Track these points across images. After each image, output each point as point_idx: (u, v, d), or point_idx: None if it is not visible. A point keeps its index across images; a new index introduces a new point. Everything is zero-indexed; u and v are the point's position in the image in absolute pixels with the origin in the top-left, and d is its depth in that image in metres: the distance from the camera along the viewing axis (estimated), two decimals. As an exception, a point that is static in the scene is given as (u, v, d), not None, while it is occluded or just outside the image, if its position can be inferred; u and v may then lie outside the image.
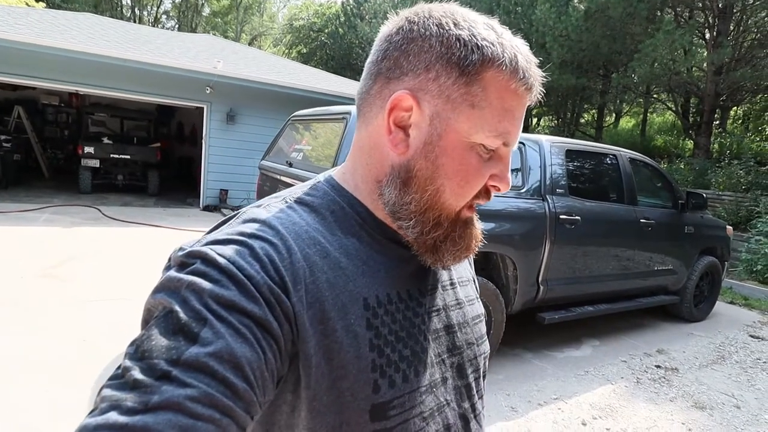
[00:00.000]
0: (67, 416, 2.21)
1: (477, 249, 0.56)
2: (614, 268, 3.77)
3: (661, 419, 2.74)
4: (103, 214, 7.06)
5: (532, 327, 3.52)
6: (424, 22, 0.49)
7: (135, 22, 25.57)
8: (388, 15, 0.54)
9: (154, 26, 25.02)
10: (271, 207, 0.52)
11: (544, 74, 0.52)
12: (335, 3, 28.53)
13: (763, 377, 3.47)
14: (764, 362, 3.77)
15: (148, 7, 29.98)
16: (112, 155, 8.91)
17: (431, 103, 0.49)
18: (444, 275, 0.61)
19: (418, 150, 0.50)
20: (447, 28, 0.48)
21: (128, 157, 9.09)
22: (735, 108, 13.79)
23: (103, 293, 3.79)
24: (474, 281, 0.70)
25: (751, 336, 4.39)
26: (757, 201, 7.85)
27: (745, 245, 6.75)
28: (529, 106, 0.53)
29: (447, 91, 0.48)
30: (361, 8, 22.41)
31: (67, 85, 7.69)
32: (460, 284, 0.63)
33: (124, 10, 28.01)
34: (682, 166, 10.71)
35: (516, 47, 0.49)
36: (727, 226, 5.01)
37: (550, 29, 10.76)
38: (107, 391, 0.37)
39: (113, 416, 0.34)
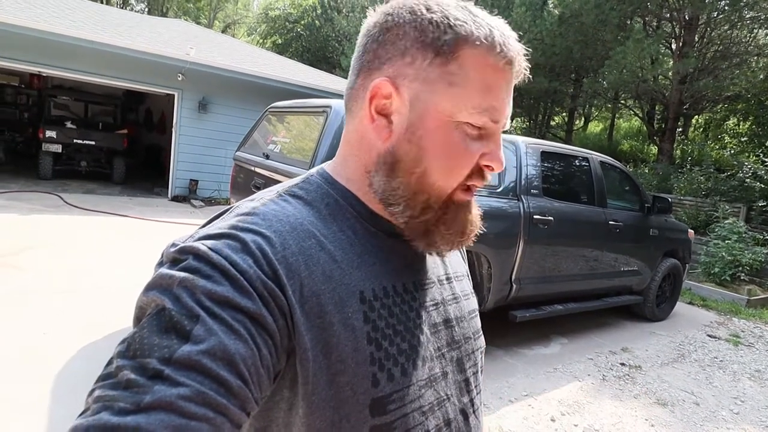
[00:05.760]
0: (27, 411, 2.09)
1: (474, 236, 0.55)
2: (583, 268, 3.87)
3: (626, 415, 2.84)
4: (64, 201, 6.74)
5: (503, 324, 3.59)
6: (398, 11, 0.50)
7: (102, 2, 24.45)
8: (366, 9, 0.55)
9: (122, 8, 24.01)
10: (264, 200, 0.51)
11: (526, 49, 0.52)
12: (313, -6, 28.11)
13: (719, 375, 3.65)
14: (721, 361, 3.96)
15: (117, -13, 28.69)
16: (75, 140, 8.51)
17: (410, 87, 0.49)
18: (440, 270, 0.61)
19: (401, 134, 0.51)
20: (420, 13, 0.49)
21: (93, 143, 8.69)
22: (697, 116, 14.43)
23: (65, 284, 3.61)
24: (468, 277, 0.70)
25: (709, 336, 4.62)
26: (716, 206, 8.25)
27: (704, 248, 7.08)
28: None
29: (424, 73, 0.49)
30: (339, 1, 22.18)
31: (29, 66, 7.28)
32: (456, 279, 0.64)
33: (90, -11, 26.71)
34: (647, 171, 11.13)
35: (491, 24, 0.49)
36: (689, 230, 5.24)
37: (525, 32, 10.94)
38: (99, 392, 0.36)
39: (105, 416, 0.34)
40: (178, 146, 8.43)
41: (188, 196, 8.50)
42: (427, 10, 0.49)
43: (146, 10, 28.75)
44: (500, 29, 0.49)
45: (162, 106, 11.05)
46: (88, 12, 9.15)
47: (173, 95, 8.33)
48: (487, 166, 0.51)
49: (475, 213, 0.55)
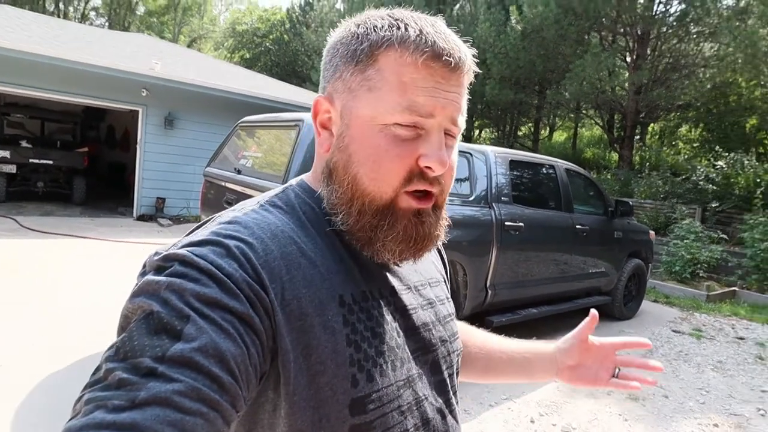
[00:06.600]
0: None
1: (427, 247, 0.54)
2: (554, 271, 3.99)
3: (601, 412, 2.92)
4: (20, 224, 6.41)
5: (480, 330, 3.64)
6: (335, 33, 0.55)
7: (59, 17, 23.70)
8: (334, 24, 0.58)
9: (81, 23, 23.34)
10: (245, 209, 0.53)
11: (467, 39, 0.53)
12: (280, 10, 28.18)
13: (685, 368, 3.80)
14: (686, 354, 4.14)
15: (75, 2, 27.90)
16: (31, 160, 8.14)
17: (339, 99, 0.53)
18: (415, 276, 0.62)
19: (334, 144, 0.54)
20: (348, 30, 0.53)
21: (50, 162, 8.33)
22: (652, 124, 15.19)
23: (22, 312, 3.43)
24: (445, 282, 0.71)
25: (673, 331, 4.81)
26: (674, 208, 8.66)
27: (665, 248, 7.41)
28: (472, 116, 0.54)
29: (348, 84, 0.52)
30: (307, 16, 22.28)
31: (-21, 83, 6.95)
32: (431, 285, 0.65)
33: (46, 4, 25.88)
34: (609, 177, 11.58)
35: (413, 26, 0.49)
36: (650, 231, 5.48)
37: (490, 47, 11.30)
38: (89, 395, 0.36)
39: (99, 415, 0.34)
40: (144, 163, 8.20)
41: (155, 214, 8.24)
42: (357, 26, 0.52)
43: (107, 24, 28.07)
44: (426, 29, 0.49)
45: (125, 123, 10.75)
46: (45, 27, 8.85)
47: (137, 111, 8.12)
48: (428, 168, 0.50)
49: (433, 222, 0.53)
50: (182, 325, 0.39)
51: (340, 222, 0.52)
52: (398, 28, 0.49)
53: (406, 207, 0.51)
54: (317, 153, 0.58)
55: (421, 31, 0.48)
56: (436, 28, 0.50)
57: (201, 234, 0.47)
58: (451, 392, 0.61)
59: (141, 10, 29.67)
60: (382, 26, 0.50)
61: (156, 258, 0.45)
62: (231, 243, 0.45)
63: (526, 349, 0.81)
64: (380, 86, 0.49)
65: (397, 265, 0.58)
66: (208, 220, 0.53)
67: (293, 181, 0.60)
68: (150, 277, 0.43)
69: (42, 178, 8.48)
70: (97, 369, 0.38)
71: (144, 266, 0.46)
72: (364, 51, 0.50)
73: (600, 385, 0.77)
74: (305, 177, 0.60)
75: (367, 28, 0.51)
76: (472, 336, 0.82)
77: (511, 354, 0.80)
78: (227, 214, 0.52)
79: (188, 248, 0.44)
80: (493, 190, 3.50)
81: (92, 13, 29.06)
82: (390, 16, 0.51)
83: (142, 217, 8.12)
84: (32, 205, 8.08)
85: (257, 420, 0.47)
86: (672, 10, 11.07)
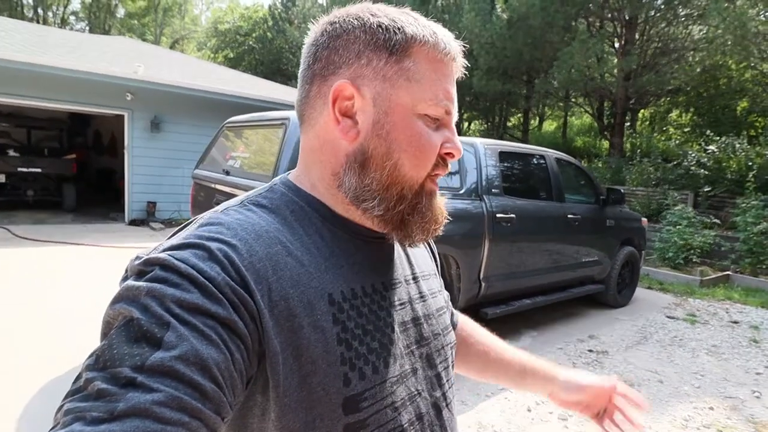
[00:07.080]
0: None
1: (444, 224, 0.58)
2: (547, 261, 3.99)
3: (597, 400, 2.93)
4: (12, 233, 6.35)
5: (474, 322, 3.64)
6: (344, 19, 0.53)
7: (39, 23, 23.36)
8: (317, 19, 0.58)
9: (61, 28, 23.00)
10: (229, 210, 0.52)
11: (463, 45, 0.57)
12: (262, 7, 27.92)
13: (680, 353, 3.83)
14: (680, 340, 4.17)
15: (54, 7, 27.47)
16: (19, 169, 8.08)
17: (370, 86, 0.51)
18: (407, 270, 0.62)
19: (369, 131, 0.52)
20: (366, 18, 0.52)
21: (39, 170, 8.29)
22: (642, 110, 15.25)
23: (20, 319, 3.38)
24: (437, 275, 0.71)
25: (668, 317, 4.84)
26: (666, 194, 8.69)
27: (657, 235, 7.45)
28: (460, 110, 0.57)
29: (382, 72, 0.51)
30: (290, 12, 22.12)
31: (-40, 92, 6.84)
32: (423, 278, 0.65)
33: (25, 10, 25.47)
34: (600, 165, 11.61)
35: (430, 25, 0.54)
36: (642, 218, 5.50)
37: (477, 37, 11.26)
38: (69, 405, 0.35)
39: (77, 428, 0.33)
40: (133, 168, 8.13)
41: (147, 219, 8.19)
42: (372, 15, 0.52)
43: (87, 28, 27.70)
44: (440, 30, 0.54)
45: (111, 128, 10.65)
46: (26, 34, 8.72)
47: (123, 116, 8.04)
48: (448, 154, 0.54)
49: (442, 201, 0.58)
50: (162, 332, 0.38)
51: (374, 207, 0.53)
52: (422, 26, 0.53)
53: (429, 189, 0.55)
54: (326, 141, 0.54)
55: (443, 33, 0.54)
56: (445, 30, 0.55)
57: (183, 237, 0.46)
58: (447, 386, 0.61)
59: (121, 12, 29.28)
60: (408, 21, 0.52)
61: (137, 262, 0.44)
62: (213, 245, 0.44)
63: (525, 364, 0.83)
64: (418, 78, 0.51)
65: (415, 246, 0.60)
66: (191, 222, 0.51)
67: (276, 180, 0.59)
68: (130, 282, 0.42)
69: (31, 187, 8.44)
70: (78, 377, 0.37)
71: (126, 271, 0.45)
72: (399, 42, 0.51)
73: (586, 414, 0.82)
74: (289, 175, 0.59)
75: (391, 20, 0.52)
76: (476, 335, 0.86)
77: (509, 364, 0.83)
78: (209, 215, 0.51)
79: (169, 252, 0.43)
80: (484, 183, 3.49)
81: (72, 18, 28.66)
82: (406, 13, 0.54)
83: (134, 222, 8.07)
84: (23, 213, 8.01)
85: (246, 424, 0.47)
86: (659, -7, 11.06)
